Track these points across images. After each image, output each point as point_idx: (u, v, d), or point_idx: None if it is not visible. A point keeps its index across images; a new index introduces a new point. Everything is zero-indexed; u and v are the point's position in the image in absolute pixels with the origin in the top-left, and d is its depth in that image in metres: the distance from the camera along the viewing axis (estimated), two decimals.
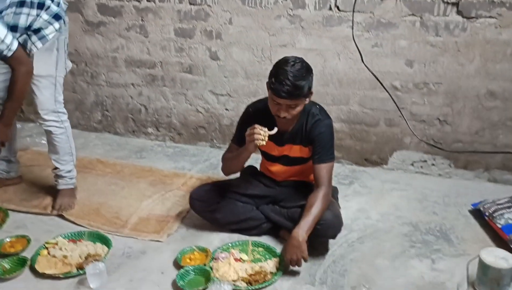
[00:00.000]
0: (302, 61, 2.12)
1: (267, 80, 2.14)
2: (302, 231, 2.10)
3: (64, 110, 2.62)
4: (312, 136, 2.24)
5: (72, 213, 2.65)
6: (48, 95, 2.48)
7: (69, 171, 2.70)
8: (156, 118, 3.72)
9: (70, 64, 2.61)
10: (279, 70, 2.07)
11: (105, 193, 2.91)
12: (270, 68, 2.17)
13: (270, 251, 2.32)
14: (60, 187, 2.72)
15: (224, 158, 2.43)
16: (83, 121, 3.93)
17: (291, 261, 2.12)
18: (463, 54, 2.84)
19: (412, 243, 2.41)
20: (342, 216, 2.31)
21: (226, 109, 3.49)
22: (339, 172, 3.21)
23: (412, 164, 3.17)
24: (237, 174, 2.54)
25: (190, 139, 3.69)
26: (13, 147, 2.89)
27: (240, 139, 2.38)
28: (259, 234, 2.45)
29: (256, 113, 2.32)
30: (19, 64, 2.26)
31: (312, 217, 2.12)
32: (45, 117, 2.52)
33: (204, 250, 2.30)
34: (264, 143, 2.14)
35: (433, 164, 3.12)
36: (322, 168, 2.22)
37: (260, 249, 2.34)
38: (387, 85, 2.99)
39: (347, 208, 2.69)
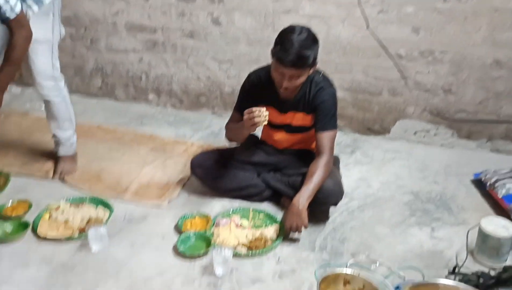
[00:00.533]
0: (308, 30, 2.08)
1: (269, 47, 2.10)
2: (302, 198, 2.10)
3: (61, 76, 2.58)
4: (315, 104, 2.22)
5: (73, 178, 2.66)
6: (46, 60, 2.44)
7: (69, 138, 2.69)
8: (157, 84, 3.68)
9: (63, 31, 2.55)
10: (285, 38, 2.03)
11: (106, 159, 2.90)
12: (273, 35, 2.13)
13: (270, 218, 2.33)
14: (60, 154, 2.71)
15: (226, 128, 2.42)
16: (82, 87, 3.89)
17: (291, 228, 2.13)
18: (470, 22, 2.79)
19: (412, 211, 2.42)
20: (343, 184, 2.32)
21: (228, 77, 3.45)
22: (341, 141, 3.20)
23: (414, 134, 3.16)
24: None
25: (191, 107, 3.66)
26: None
27: (242, 107, 2.36)
28: (260, 201, 2.46)
29: (258, 81, 2.29)
30: (20, 27, 2.21)
31: (313, 185, 2.13)
32: (43, 83, 2.47)
33: (205, 216, 2.31)
34: (265, 122, 2.11)
35: (435, 134, 3.11)
36: (324, 136, 2.21)
37: (261, 215, 2.35)
38: (391, 53, 2.94)
39: (348, 176, 2.69)
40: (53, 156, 2.79)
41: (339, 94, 3.10)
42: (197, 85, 3.56)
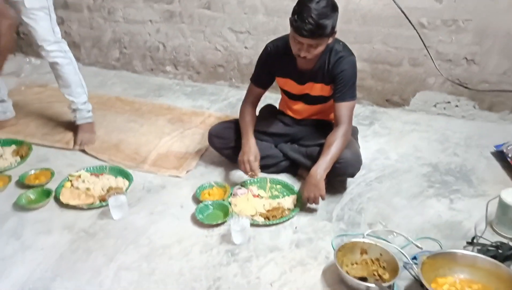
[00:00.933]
0: None
1: (288, 16, 2.06)
2: (320, 169, 2.10)
3: (64, 40, 2.63)
4: (334, 74, 2.18)
5: (93, 148, 2.70)
6: (46, 26, 2.48)
7: (84, 103, 2.73)
8: (174, 56, 3.67)
9: None
10: (303, 7, 1.98)
11: (124, 130, 2.93)
12: (291, 4, 2.08)
13: (288, 188, 2.34)
14: (79, 122, 2.76)
15: (241, 112, 2.40)
16: (101, 58, 3.91)
17: (309, 199, 2.13)
18: None
19: (430, 183, 2.40)
20: (361, 156, 2.30)
21: (245, 47, 3.42)
22: (359, 112, 3.17)
23: (434, 106, 3.10)
24: (256, 112, 2.52)
25: (209, 78, 3.65)
26: (1, 86, 2.90)
27: (259, 79, 2.35)
28: (277, 172, 2.46)
29: (276, 52, 2.27)
30: (1, 17, 2.25)
31: (330, 156, 2.11)
32: (48, 48, 2.53)
33: (222, 186, 2.33)
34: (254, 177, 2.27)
35: (456, 106, 3.05)
36: (343, 106, 2.19)
37: (278, 186, 2.36)
38: (413, 22, 2.86)
39: (367, 148, 2.67)
40: (72, 126, 2.83)
41: (358, 65, 3.03)
42: (215, 56, 3.54)
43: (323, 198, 2.12)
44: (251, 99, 2.40)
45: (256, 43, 3.33)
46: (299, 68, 2.24)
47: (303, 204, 2.19)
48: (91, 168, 2.47)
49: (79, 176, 2.39)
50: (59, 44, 2.58)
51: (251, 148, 2.26)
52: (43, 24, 2.47)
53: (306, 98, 2.34)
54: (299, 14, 1.97)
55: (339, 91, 2.19)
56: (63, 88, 2.68)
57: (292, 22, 2.01)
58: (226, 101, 3.39)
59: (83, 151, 2.68)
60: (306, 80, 2.27)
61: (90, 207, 2.19)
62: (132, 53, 3.79)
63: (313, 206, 2.18)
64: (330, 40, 2.09)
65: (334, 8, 2.02)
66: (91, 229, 2.07)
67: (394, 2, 2.81)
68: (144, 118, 3.10)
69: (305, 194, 2.14)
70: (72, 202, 2.19)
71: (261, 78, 2.36)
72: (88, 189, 2.29)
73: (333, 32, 2.06)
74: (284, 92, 2.42)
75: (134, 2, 3.57)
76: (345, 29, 3.03)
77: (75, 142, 2.73)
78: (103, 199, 2.23)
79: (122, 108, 3.25)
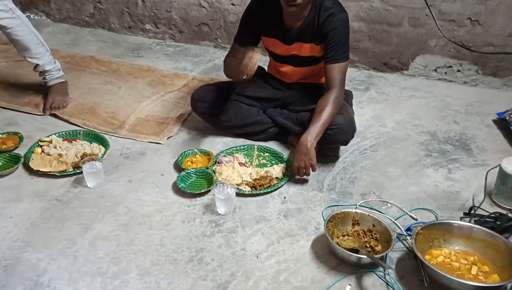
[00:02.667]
0: None
1: None
2: (311, 136, 2.10)
3: None
4: (325, 32, 2.17)
5: (65, 112, 2.67)
6: None
7: (50, 62, 2.68)
8: (155, 12, 3.61)
9: None
10: None
11: (101, 92, 2.91)
12: None
13: (276, 156, 2.35)
14: (50, 83, 2.72)
15: (225, 63, 2.36)
16: (73, 14, 3.83)
17: (299, 168, 2.14)
18: None
19: (428, 152, 2.43)
20: (356, 122, 2.31)
21: (232, 4, 3.37)
22: (355, 76, 3.17)
23: (435, 70, 3.11)
24: None
25: (192, 38, 3.61)
26: None
27: (242, 38, 2.33)
28: (265, 139, 2.47)
29: (261, 9, 2.25)
30: None
31: (322, 122, 2.12)
32: None
33: (206, 154, 2.33)
34: (255, 68, 2.06)
35: (458, 70, 3.06)
36: (335, 68, 2.18)
37: (266, 154, 2.38)
38: None
39: (361, 115, 2.69)
40: (43, 87, 2.79)
41: (354, 24, 3.06)
42: (199, 13, 3.49)
43: (314, 169, 2.13)
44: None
45: None
46: (286, 26, 2.22)
47: (292, 174, 2.21)
48: (64, 133, 2.45)
49: (50, 142, 2.37)
50: (2, 2, 2.43)
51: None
52: None
53: (294, 60, 2.32)
54: None
55: (330, 51, 2.18)
56: (22, 52, 2.60)
57: None
58: (211, 62, 3.37)
59: (54, 115, 2.66)
60: (293, 40, 2.25)
61: (62, 174, 2.18)
62: (108, 8, 3.72)
63: (303, 177, 2.19)
64: None
65: None
66: (64, 197, 2.07)
67: None
68: (122, 80, 3.07)
69: (295, 164, 2.15)
70: (43, 169, 2.18)
71: (246, 37, 2.33)
72: (60, 155, 2.27)
73: None
74: (271, 54, 2.41)
75: None
76: None
77: (45, 105, 2.69)
78: (76, 166, 2.22)
79: (98, 69, 3.21)
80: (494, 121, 2.68)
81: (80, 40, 3.64)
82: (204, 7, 3.45)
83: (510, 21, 2.83)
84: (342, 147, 2.40)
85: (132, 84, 3.03)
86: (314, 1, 2.15)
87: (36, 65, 2.65)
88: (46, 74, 2.70)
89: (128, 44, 3.62)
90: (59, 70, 2.73)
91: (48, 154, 2.28)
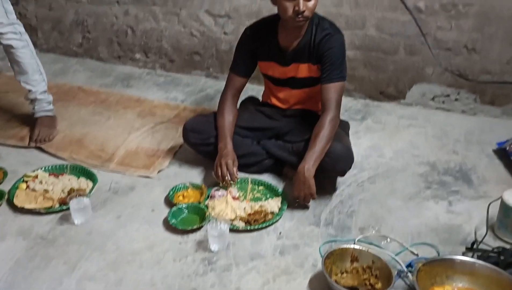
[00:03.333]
0: None
1: None
2: (308, 165, 2.12)
3: (19, 22, 2.61)
4: (321, 52, 2.23)
5: (52, 145, 2.67)
6: None
7: (43, 92, 2.71)
8: (145, 41, 3.65)
9: None
10: None
11: (89, 124, 2.91)
12: None
13: (271, 189, 2.35)
14: (38, 114, 2.73)
15: (219, 108, 2.40)
16: (61, 43, 3.86)
17: (298, 198, 2.15)
18: None
19: (428, 183, 2.43)
20: (353, 153, 2.31)
21: (225, 33, 3.42)
22: (351, 106, 3.20)
23: (432, 99, 3.15)
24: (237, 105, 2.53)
25: (183, 67, 3.64)
26: None
27: (239, 67, 2.37)
28: (259, 172, 2.47)
29: (256, 34, 2.31)
30: None
31: (318, 148, 2.13)
32: (1, 30, 2.51)
33: (198, 187, 2.33)
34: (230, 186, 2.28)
35: (456, 99, 3.10)
36: (330, 88, 2.21)
37: (261, 187, 2.37)
38: (410, 5, 2.90)
39: (358, 145, 2.71)
40: (30, 119, 2.79)
41: (350, 53, 3.11)
42: (190, 42, 3.53)
43: (313, 197, 2.15)
44: (231, 92, 2.41)
45: (236, 28, 3.33)
46: (282, 48, 2.27)
47: (290, 204, 2.20)
48: (50, 167, 2.44)
49: (36, 177, 2.36)
50: (14, 26, 2.56)
51: (229, 152, 2.29)
52: None
53: (292, 82, 2.37)
54: None
55: (326, 71, 2.22)
56: (19, 75, 2.65)
57: None
58: (203, 92, 3.39)
59: (41, 148, 2.65)
60: (290, 61, 2.30)
61: (48, 211, 2.16)
62: (97, 37, 3.76)
63: (303, 206, 2.19)
64: None
65: None
66: (50, 234, 2.05)
67: None
68: (111, 110, 3.09)
69: (294, 194, 2.16)
70: (28, 206, 2.16)
71: (242, 65, 2.38)
72: (46, 191, 2.26)
73: None
74: (268, 78, 2.45)
75: None
76: (335, 13, 3.07)
77: (31, 138, 2.69)
78: (63, 202, 2.20)
79: (86, 99, 3.22)
80: (494, 151, 2.70)
81: (68, 70, 3.66)
82: (196, 36, 3.50)
83: (507, 47, 2.89)
84: (339, 179, 2.40)
85: (121, 114, 3.04)
86: (311, 22, 2.21)
87: (29, 91, 2.68)
88: (36, 103, 2.71)
89: (117, 74, 3.64)
90: (50, 104, 2.76)
91: (34, 190, 2.26)
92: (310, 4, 2.10)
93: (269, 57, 2.33)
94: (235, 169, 2.27)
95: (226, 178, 2.25)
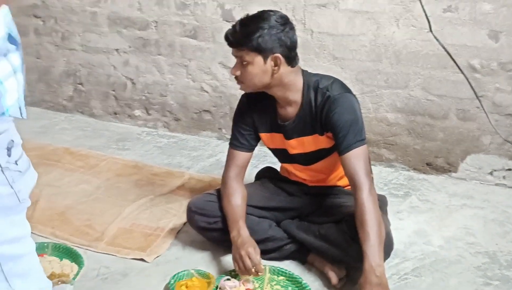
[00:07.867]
0: (278, 15, 2.17)
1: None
2: (374, 261, 2.00)
3: None
4: (327, 120, 2.22)
5: (31, 218, 2.70)
6: None
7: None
8: (146, 96, 3.76)
9: None
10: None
11: (74, 194, 2.96)
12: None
13: (294, 280, 2.34)
14: None
15: (223, 192, 2.41)
16: (48, 96, 3.99)
17: None
18: None
19: (487, 279, 2.41)
20: (393, 238, 2.32)
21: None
22: (391, 179, 3.23)
23: (491, 173, 3.17)
24: (252, 179, 2.56)
25: (191, 127, 3.72)
26: None
27: (238, 140, 2.42)
28: (279, 258, 2.47)
29: (251, 99, 2.38)
30: None
31: (374, 236, 2.03)
32: None
33: (205, 276, 2.32)
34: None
35: None
36: (351, 158, 2.17)
37: (281, 278, 2.36)
38: (462, 63, 2.97)
39: (400, 229, 2.70)
40: None
41: (389, 116, 3.17)
42: (200, 97, 3.62)
43: None
44: (235, 170, 2.42)
45: None
46: (281, 119, 2.33)
47: None
48: None
49: None
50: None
51: (246, 240, 2.25)
52: None
53: (300, 158, 2.40)
54: None
55: (340, 139, 2.20)
56: None
57: None
58: (213, 158, 3.44)
59: None
60: (291, 135, 2.34)
61: None
62: (90, 90, 3.88)
63: None
64: (266, 63, 2.15)
65: (273, 26, 2.13)
66: None
67: (435, 38, 2.93)
68: (101, 178, 3.14)
69: None
70: None
71: (242, 138, 2.42)
72: None
73: (268, 52, 2.13)
74: (273, 153, 2.52)
75: (97, 26, 3.69)
76: (373, 69, 3.15)
77: None
78: None
79: (72, 164, 3.29)
80: None
81: (53, 128, 3.76)
82: (207, 91, 3.60)
83: None
84: None
85: (113, 183, 3.09)
86: (308, 86, 2.24)
87: None
88: None
89: (111, 134, 3.73)
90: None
91: None
92: (244, 71, 2.16)
93: (269, 127, 2.37)
94: (258, 257, 2.21)
95: (253, 270, 2.20)
